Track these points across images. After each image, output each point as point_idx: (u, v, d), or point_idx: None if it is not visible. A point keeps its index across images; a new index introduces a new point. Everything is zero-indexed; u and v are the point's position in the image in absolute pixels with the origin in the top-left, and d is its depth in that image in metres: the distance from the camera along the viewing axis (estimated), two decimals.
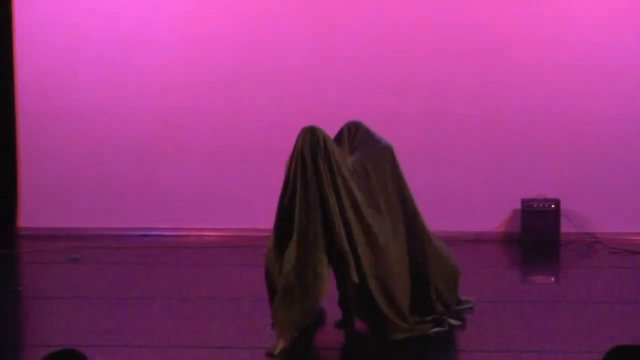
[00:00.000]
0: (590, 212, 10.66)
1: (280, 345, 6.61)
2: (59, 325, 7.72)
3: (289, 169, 6.80)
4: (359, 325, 7.19)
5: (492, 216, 10.71)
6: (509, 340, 7.15)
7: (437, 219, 10.59)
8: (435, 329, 7.13)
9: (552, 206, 10.47)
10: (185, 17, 11.00)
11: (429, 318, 7.22)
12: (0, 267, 10.03)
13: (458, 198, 10.75)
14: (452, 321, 7.27)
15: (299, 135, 6.83)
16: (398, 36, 10.81)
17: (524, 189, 10.56)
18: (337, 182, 6.76)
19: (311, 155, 6.69)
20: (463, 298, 7.84)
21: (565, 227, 10.49)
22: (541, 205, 10.49)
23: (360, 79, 10.84)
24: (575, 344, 7.04)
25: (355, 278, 6.67)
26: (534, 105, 10.74)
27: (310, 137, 6.76)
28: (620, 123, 10.67)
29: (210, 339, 7.11)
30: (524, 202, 10.54)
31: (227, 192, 10.70)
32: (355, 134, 7.44)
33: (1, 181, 11.14)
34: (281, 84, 10.90)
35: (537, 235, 10.46)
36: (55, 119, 11.10)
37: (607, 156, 10.69)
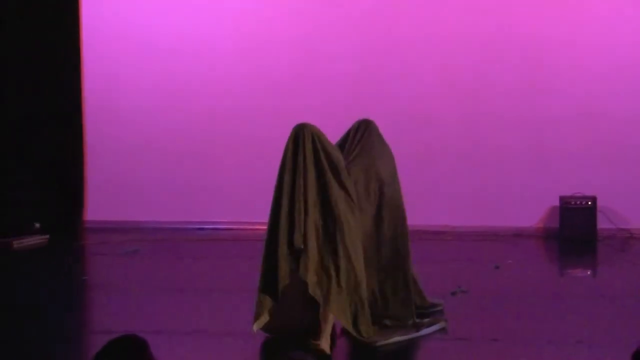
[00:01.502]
0: (625, 209, 10.58)
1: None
2: (121, 312, 7.76)
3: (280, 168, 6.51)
4: None
5: (532, 213, 10.69)
6: (547, 332, 7.09)
7: (479, 215, 10.67)
8: (406, 337, 6.74)
9: (589, 203, 10.41)
10: (236, 29, 11.04)
11: (410, 322, 6.91)
12: (68, 258, 10.09)
13: (499, 195, 10.72)
14: (434, 327, 6.91)
15: (291, 131, 6.51)
16: (443, 44, 10.80)
17: (562, 186, 10.52)
18: (324, 179, 6.43)
19: (293, 150, 6.40)
20: (432, 301, 7.51)
21: (602, 224, 10.42)
22: (579, 203, 10.42)
23: (406, 82, 10.84)
24: (611, 336, 6.97)
25: (304, 276, 6.28)
26: (572, 108, 10.70)
27: (296, 133, 6.45)
28: None
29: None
30: (562, 199, 10.48)
31: None
32: (362, 135, 7.13)
33: (69, 178, 11.23)
34: (328, 86, 10.92)
35: (575, 231, 10.40)
36: (118, 122, 11.19)
37: None
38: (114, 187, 11.23)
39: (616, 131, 10.64)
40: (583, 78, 10.69)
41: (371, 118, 10.85)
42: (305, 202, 6.35)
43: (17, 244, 10.24)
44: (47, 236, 10.57)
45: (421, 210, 10.70)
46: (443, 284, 8.33)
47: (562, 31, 10.70)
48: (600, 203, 10.42)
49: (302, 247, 6.30)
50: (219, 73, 11.08)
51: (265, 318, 6.43)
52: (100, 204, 11.28)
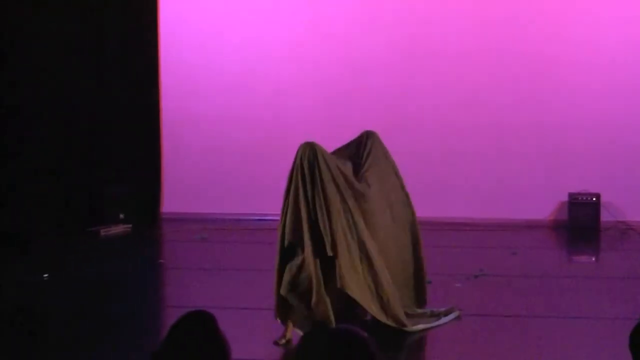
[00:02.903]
0: (625, 204, 10.49)
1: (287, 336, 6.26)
2: (192, 290, 7.80)
3: (289, 179, 6.25)
4: None
5: (544, 207, 10.62)
6: (557, 309, 7.05)
7: (498, 208, 10.61)
8: (429, 325, 6.51)
9: (594, 199, 10.33)
10: (295, 48, 11.05)
11: (427, 311, 6.68)
12: (147, 244, 10.16)
13: (516, 191, 10.66)
14: (451, 316, 6.66)
15: (298, 149, 6.28)
16: (470, 60, 10.77)
17: (571, 184, 10.44)
18: (332, 188, 6.14)
19: (309, 167, 6.13)
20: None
21: (604, 217, 10.34)
22: (585, 198, 10.35)
23: (436, 93, 10.81)
24: (613, 312, 6.91)
25: (338, 282, 6.04)
26: (580, 115, 10.62)
27: (309, 151, 6.18)
28: None
29: None
30: (570, 195, 10.41)
31: None
32: (372, 146, 6.72)
33: (148, 176, 11.29)
34: (366, 98, 10.89)
35: (581, 223, 10.32)
36: (190, 128, 11.22)
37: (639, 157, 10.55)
38: (186, 184, 11.27)
39: (618, 136, 10.55)
40: (589, 89, 10.60)
41: (404, 126, 10.90)
42: (328, 212, 6.08)
43: (104, 232, 10.33)
44: (130, 225, 10.66)
45: (448, 204, 10.70)
46: (467, 268, 8.31)
47: (571, 50, 10.62)
48: (603, 199, 10.34)
49: (333, 254, 6.04)
50: (278, 88, 11.09)
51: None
52: (175, 198, 11.32)
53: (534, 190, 10.63)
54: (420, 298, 6.79)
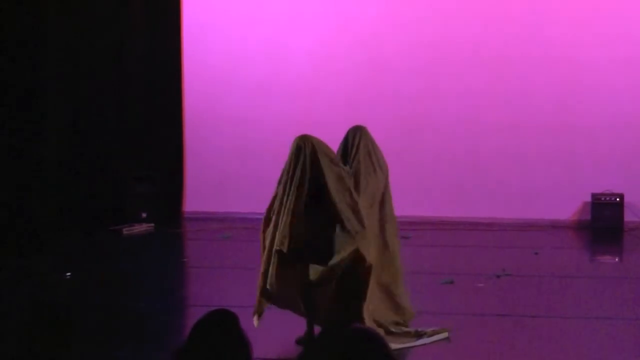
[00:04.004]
0: None
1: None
2: (215, 289, 7.80)
3: (283, 170, 6.25)
4: None
5: (567, 207, 10.59)
6: (579, 309, 7.02)
7: (521, 208, 10.58)
8: (407, 345, 6.13)
9: (617, 199, 10.30)
10: (317, 50, 11.07)
11: (412, 330, 6.27)
12: (170, 243, 10.19)
13: (539, 192, 10.64)
14: (436, 337, 6.23)
15: (293, 142, 6.30)
16: (494, 65, 10.75)
17: (594, 184, 10.40)
18: (321, 181, 6.04)
19: (295, 158, 6.15)
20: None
21: (628, 217, 10.30)
22: (608, 199, 10.32)
23: (461, 95, 10.81)
24: (636, 312, 6.87)
25: (313, 276, 5.91)
26: (604, 118, 10.60)
27: (298, 143, 6.23)
28: None
29: None
30: (593, 195, 10.38)
31: None
32: (359, 141, 6.45)
33: (171, 176, 11.33)
34: (389, 99, 10.91)
35: (605, 223, 10.29)
36: (212, 131, 11.27)
37: None
38: (208, 183, 11.30)
39: None
40: (612, 90, 10.57)
41: (427, 127, 10.87)
42: (293, 210, 6.02)
43: (126, 231, 10.36)
44: (152, 224, 10.68)
45: (471, 204, 10.68)
46: (489, 268, 8.29)
47: (594, 51, 10.59)
48: (626, 199, 10.31)
49: (280, 248, 5.98)
50: (299, 89, 11.11)
51: (260, 315, 6.12)
52: (197, 197, 11.36)
53: (556, 190, 10.61)
54: (401, 308, 6.35)
